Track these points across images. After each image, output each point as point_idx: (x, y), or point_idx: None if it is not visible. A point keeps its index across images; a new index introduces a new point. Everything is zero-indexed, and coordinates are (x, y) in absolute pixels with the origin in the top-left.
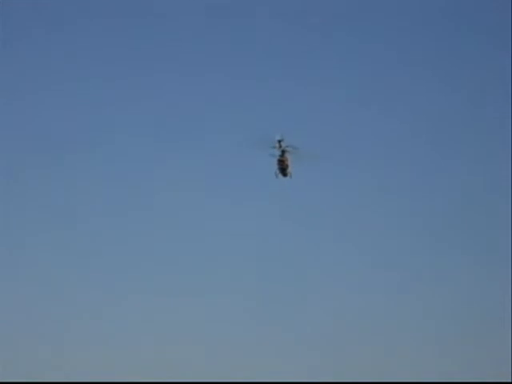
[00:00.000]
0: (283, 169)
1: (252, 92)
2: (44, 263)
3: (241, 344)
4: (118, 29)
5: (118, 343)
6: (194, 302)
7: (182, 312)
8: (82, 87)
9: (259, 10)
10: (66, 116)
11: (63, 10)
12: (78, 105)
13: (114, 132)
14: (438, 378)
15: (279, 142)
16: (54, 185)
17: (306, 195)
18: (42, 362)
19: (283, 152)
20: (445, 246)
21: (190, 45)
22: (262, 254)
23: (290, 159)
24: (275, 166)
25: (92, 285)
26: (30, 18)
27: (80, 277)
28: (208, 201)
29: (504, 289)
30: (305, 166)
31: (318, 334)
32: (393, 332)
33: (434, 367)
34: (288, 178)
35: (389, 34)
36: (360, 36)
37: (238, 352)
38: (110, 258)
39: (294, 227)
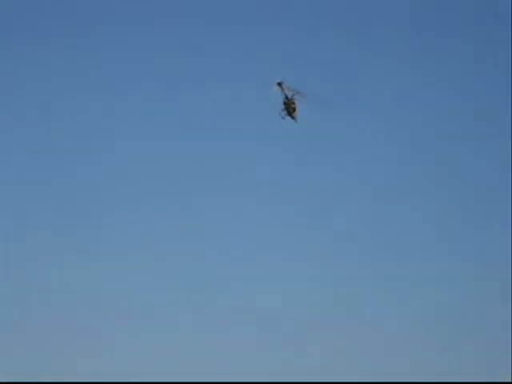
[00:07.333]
0: (290, 112)
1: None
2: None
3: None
4: None
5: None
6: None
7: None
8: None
9: None
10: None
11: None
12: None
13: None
14: (439, 378)
15: (279, 84)
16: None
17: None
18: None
19: (293, 95)
20: (445, 246)
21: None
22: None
23: (297, 103)
24: (280, 107)
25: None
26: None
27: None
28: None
29: (504, 288)
30: (310, 111)
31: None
32: (393, 332)
33: (434, 367)
34: (294, 120)
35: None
36: None
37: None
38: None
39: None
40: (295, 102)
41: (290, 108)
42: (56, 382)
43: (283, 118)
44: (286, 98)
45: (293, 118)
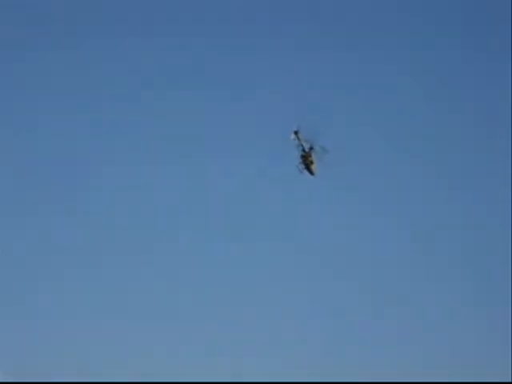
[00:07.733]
0: (308, 165)
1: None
2: None
3: None
4: None
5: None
6: None
7: None
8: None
9: None
10: None
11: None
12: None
13: None
14: (439, 377)
15: (296, 132)
16: None
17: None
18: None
19: (310, 148)
20: (445, 246)
21: None
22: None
23: (314, 156)
24: (298, 160)
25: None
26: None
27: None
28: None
29: (504, 289)
30: (327, 167)
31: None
32: (393, 332)
33: (434, 367)
34: (312, 175)
35: None
36: None
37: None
38: None
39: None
40: (312, 155)
41: (307, 161)
42: (56, 382)
43: (301, 172)
44: (304, 150)
45: (310, 171)
